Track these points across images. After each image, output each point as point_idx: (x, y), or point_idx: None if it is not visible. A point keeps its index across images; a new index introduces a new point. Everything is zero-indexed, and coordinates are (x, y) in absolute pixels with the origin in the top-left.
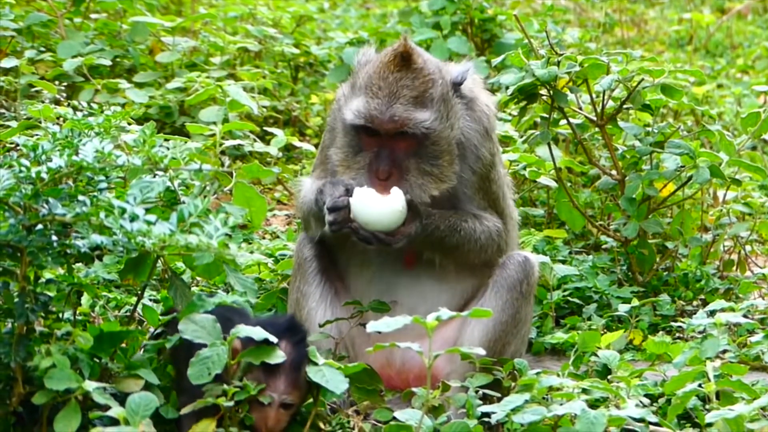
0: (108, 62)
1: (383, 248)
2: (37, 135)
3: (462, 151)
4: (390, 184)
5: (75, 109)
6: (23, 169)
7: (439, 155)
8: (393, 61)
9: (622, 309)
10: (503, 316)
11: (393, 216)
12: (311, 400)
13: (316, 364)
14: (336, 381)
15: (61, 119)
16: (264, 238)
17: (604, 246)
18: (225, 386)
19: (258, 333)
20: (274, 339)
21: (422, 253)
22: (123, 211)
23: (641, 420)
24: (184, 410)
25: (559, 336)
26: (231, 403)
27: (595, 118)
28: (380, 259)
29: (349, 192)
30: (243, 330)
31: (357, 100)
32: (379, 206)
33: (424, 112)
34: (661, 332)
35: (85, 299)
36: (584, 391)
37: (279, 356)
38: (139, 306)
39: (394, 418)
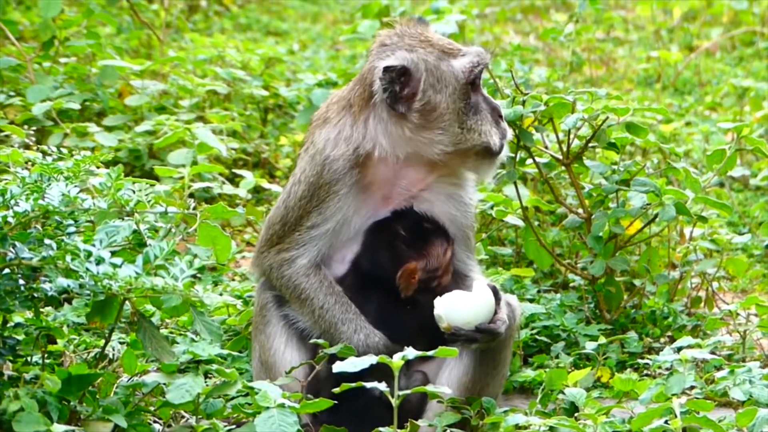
0: (77, 106)
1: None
2: (6, 179)
3: None
4: None
5: (44, 153)
6: None
7: None
8: None
9: (590, 347)
10: (484, 357)
11: (487, 308)
12: None
13: (267, 408)
14: (285, 426)
15: (30, 164)
16: (233, 279)
17: (571, 284)
18: (194, 423)
19: None
20: None
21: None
22: (89, 254)
23: None
24: None
25: (527, 374)
26: None
27: (561, 157)
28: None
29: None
30: None
31: None
32: (471, 303)
33: None
34: (628, 369)
35: (61, 341)
36: (551, 429)
37: None
38: (108, 349)
39: None
